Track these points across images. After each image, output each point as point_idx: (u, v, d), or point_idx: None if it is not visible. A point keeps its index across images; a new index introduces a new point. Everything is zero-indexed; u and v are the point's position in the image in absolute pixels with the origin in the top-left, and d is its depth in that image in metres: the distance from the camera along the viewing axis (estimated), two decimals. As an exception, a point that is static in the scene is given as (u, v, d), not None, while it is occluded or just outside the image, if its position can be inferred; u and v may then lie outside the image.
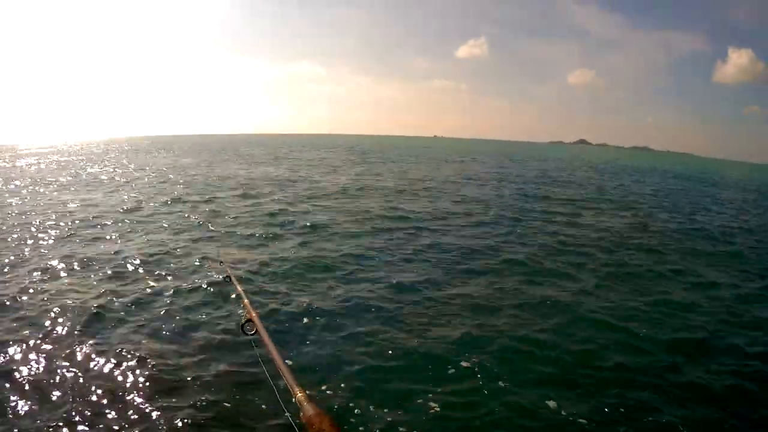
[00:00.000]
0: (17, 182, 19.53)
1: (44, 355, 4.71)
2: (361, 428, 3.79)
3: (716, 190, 28.54)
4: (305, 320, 5.77)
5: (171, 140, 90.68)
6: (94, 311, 5.82)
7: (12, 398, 4.01)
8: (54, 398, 4.02)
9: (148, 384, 4.28)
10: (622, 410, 4.18)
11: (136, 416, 3.83)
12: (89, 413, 3.83)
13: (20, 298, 6.18)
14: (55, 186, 18.32)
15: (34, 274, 7.18)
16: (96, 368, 4.53)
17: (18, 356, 4.72)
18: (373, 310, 6.18)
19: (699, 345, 5.68)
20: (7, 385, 4.21)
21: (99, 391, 4.13)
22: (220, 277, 6.46)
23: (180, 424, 3.75)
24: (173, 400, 4.06)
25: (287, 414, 1.58)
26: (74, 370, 4.47)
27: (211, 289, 6.62)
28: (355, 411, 3.99)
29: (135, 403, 3.99)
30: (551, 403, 4.20)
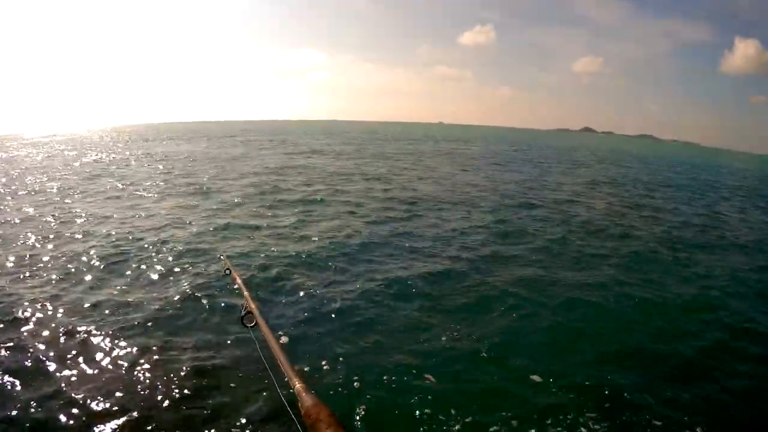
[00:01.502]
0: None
1: (39, 348, 4.75)
2: (359, 418, 3.87)
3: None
4: (305, 312, 5.82)
5: (175, 127, 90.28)
6: (91, 302, 5.91)
7: (11, 387, 4.12)
8: (47, 391, 4.07)
9: (146, 374, 4.36)
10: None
11: (133, 406, 3.90)
12: (83, 405, 3.89)
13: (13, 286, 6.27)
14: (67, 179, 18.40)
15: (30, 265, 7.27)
16: (92, 360, 4.59)
17: (16, 345, 4.84)
18: (371, 300, 6.25)
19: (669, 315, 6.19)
20: (6, 373, 4.32)
21: (97, 383, 4.20)
22: (220, 269, 6.51)
23: (179, 414, 3.84)
24: (171, 389, 4.15)
25: (285, 404, 1.61)
26: (68, 362, 4.53)
27: (211, 282, 6.67)
28: (354, 401, 4.07)
29: (132, 394, 4.06)
30: (536, 377, 4.55)
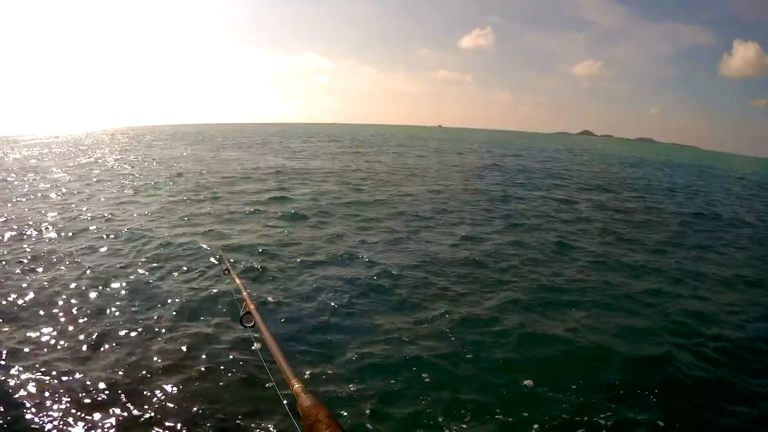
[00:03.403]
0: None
1: (40, 351, 4.75)
2: (357, 418, 3.86)
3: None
4: (303, 312, 5.82)
5: (178, 129, 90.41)
6: (92, 302, 5.92)
7: (14, 390, 4.11)
8: (50, 392, 4.06)
9: (146, 375, 4.35)
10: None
11: (133, 406, 3.89)
12: (84, 406, 3.88)
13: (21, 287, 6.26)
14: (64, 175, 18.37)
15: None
16: (92, 360, 4.58)
17: (20, 346, 4.83)
18: (371, 301, 6.26)
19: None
20: (16, 375, 4.30)
21: (97, 383, 4.18)
22: (219, 269, 6.50)
23: (178, 414, 3.83)
24: (172, 390, 4.14)
25: (284, 404, 1.60)
26: (70, 363, 4.52)
27: (210, 282, 6.66)
28: (352, 401, 4.06)
29: (132, 394, 4.05)
30: (527, 382, 4.49)
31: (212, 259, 7.60)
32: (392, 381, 4.42)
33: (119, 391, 4.09)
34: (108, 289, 6.40)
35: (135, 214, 11.13)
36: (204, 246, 8.52)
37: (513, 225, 11.26)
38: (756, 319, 6.34)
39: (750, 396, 4.52)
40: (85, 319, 5.49)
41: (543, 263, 8.25)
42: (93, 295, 6.20)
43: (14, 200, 12.79)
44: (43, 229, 9.49)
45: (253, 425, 3.72)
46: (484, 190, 16.58)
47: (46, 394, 4.05)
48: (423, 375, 4.53)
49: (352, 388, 4.24)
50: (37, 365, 4.50)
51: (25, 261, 7.44)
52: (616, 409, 4.14)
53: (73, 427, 3.66)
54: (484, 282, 7.14)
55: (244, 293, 2.27)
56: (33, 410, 3.83)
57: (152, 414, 3.82)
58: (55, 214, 10.96)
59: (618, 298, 6.81)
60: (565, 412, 4.04)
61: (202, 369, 4.48)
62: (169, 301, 6.04)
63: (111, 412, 3.82)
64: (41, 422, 3.70)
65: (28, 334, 5.09)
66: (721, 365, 5.04)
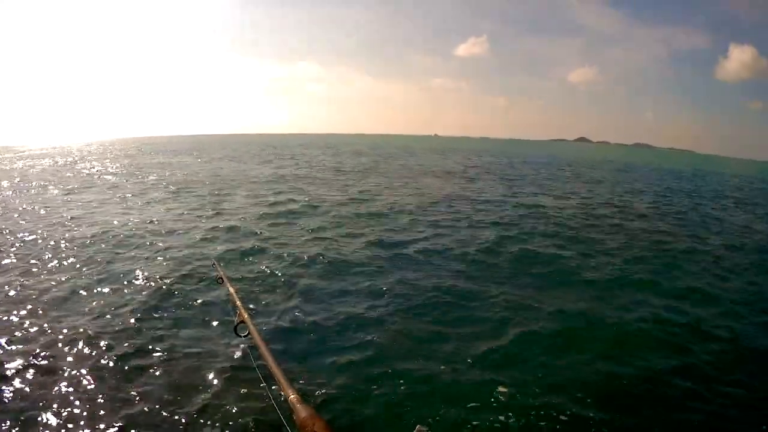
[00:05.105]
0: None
1: (33, 359, 4.69)
2: (354, 429, 3.80)
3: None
4: (298, 321, 5.74)
5: (174, 141, 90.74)
6: (79, 311, 5.84)
7: (9, 391, 4.09)
8: (44, 396, 4.02)
9: (139, 386, 4.27)
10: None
11: (127, 418, 3.81)
12: (76, 414, 3.83)
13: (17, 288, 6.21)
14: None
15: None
16: (86, 370, 4.50)
17: (13, 349, 4.79)
18: (367, 309, 6.17)
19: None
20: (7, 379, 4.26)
21: (89, 393, 4.12)
22: (213, 277, 6.44)
23: (169, 425, 3.75)
24: (165, 401, 4.06)
25: (280, 416, 1.57)
26: (62, 372, 4.46)
27: (204, 291, 6.60)
28: (349, 412, 3.99)
29: (126, 405, 3.98)
30: (501, 390, 4.34)
31: (206, 268, 7.52)
32: (392, 389, 4.34)
33: (107, 400, 4.03)
34: (96, 296, 6.32)
35: (130, 221, 11.08)
36: (197, 254, 8.47)
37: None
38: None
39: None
40: (73, 324, 5.42)
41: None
42: (81, 302, 6.13)
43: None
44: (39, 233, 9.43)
45: (249, 437, 3.66)
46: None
47: (39, 394, 4.05)
48: (425, 385, 4.43)
49: (349, 399, 4.16)
50: (31, 365, 4.50)
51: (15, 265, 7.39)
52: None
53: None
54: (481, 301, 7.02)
55: (238, 302, 2.24)
56: (26, 406, 3.84)
57: (142, 425, 3.74)
58: (46, 214, 10.90)
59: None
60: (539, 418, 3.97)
61: (195, 380, 4.39)
62: (161, 309, 5.97)
63: (100, 419, 3.76)
64: (30, 422, 3.70)
65: (18, 335, 5.07)
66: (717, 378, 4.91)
